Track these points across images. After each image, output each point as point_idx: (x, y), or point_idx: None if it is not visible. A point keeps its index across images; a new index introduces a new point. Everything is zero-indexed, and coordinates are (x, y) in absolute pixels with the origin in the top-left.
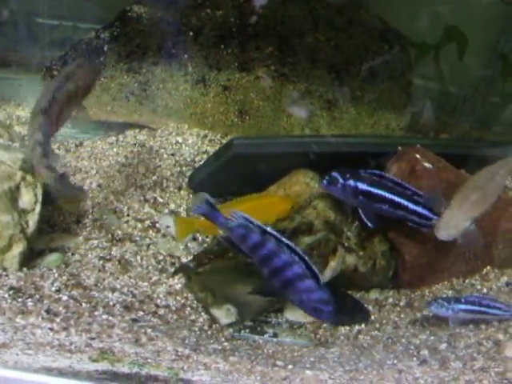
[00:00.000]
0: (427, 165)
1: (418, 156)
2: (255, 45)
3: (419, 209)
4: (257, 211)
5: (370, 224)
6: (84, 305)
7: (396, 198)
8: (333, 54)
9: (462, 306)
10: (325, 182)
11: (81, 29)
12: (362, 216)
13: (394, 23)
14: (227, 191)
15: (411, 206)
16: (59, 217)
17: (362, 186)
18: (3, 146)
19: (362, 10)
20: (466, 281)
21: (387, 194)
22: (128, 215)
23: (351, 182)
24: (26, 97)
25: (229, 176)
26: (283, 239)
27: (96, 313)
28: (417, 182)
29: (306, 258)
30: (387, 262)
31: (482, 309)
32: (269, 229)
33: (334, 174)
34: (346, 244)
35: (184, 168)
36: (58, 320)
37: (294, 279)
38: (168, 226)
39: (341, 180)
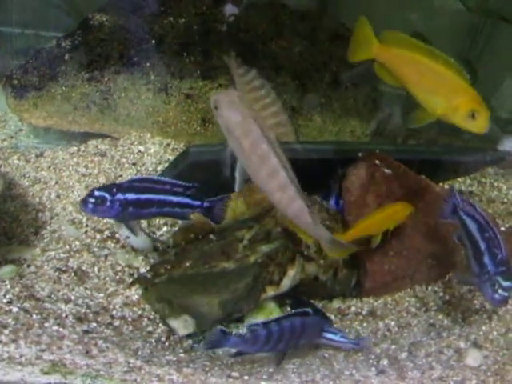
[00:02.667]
0: (386, 171)
1: (377, 162)
2: (218, 52)
3: (181, 199)
4: (381, 223)
5: (134, 234)
6: (35, 316)
7: (161, 197)
8: (297, 61)
9: None
10: (90, 205)
11: (44, 37)
12: (127, 229)
13: None
14: None
15: (174, 199)
16: (17, 228)
17: (132, 196)
18: None
19: (325, 16)
20: (429, 288)
21: (154, 196)
22: (87, 226)
23: (120, 196)
24: None
25: None
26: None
27: (46, 324)
28: (376, 188)
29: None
30: (349, 271)
31: None
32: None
33: (97, 192)
34: (305, 253)
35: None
36: (6, 332)
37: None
38: (128, 237)
39: (109, 197)
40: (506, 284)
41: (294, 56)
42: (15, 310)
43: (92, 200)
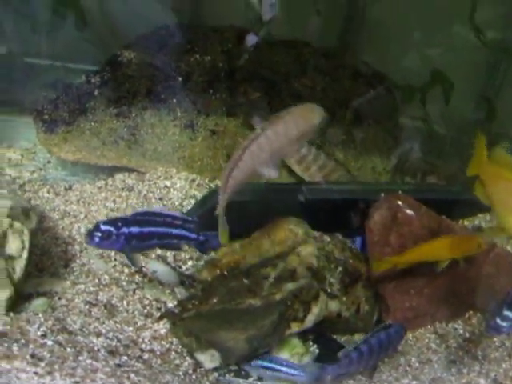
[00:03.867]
0: (409, 212)
1: (399, 203)
2: (243, 90)
3: (179, 231)
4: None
5: (135, 266)
6: (69, 349)
7: (162, 230)
8: (319, 99)
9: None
10: (96, 239)
11: (73, 70)
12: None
13: (380, 66)
14: None
15: (173, 231)
16: (48, 261)
17: (135, 230)
18: None
19: (347, 54)
20: (449, 325)
21: (156, 229)
22: (115, 260)
23: (125, 230)
24: (18, 138)
25: (214, 221)
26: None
27: (80, 357)
28: (398, 228)
29: None
30: (371, 307)
31: None
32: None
33: (103, 226)
34: (328, 290)
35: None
36: (42, 364)
37: None
38: (154, 271)
39: (114, 231)
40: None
41: (316, 93)
42: (50, 343)
43: (98, 234)
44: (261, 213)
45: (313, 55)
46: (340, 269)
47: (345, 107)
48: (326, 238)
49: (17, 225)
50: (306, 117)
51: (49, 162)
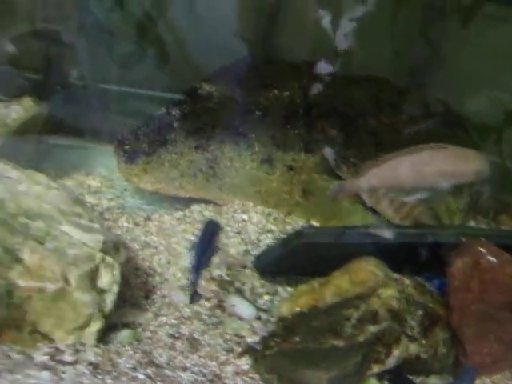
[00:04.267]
0: (491, 258)
1: (482, 249)
2: (320, 126)
3: None
4: None
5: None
6: (159, 383)
7: None
8: (395, 137)
9: None
10: None
11: (152, 98)
12: None
13: (455, 105)
14: (291, 274)
15: None
16: (128, 291)
17: None
18: (84, 228)
19: (423, 92)
20: None
21: None
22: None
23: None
24: (96, 166)
25: (295, 261)
26: None
27: None
28: (480, 274)
29: None
30: (448, 349)
31: None
32: None
33: None
34: (409, 333)
35: (249, 246)
36: None
37: None
38: (233, 305)
39: None
40: None
41: (393, 132)
42: (141, 376)
43: None
44: (340, 253)
45: (390, 92)
46: (420, 312)
47: None
48: (406, 281)
49: (108, 259)
50: (469, 158)
51: (126, 189)
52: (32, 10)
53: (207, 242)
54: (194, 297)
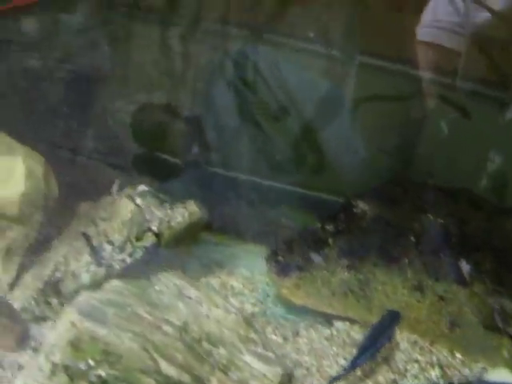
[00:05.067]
0: None
1: None
2: (473, 259)
3: None
4: None
5: None
6: None
7: None
8: None
9: None
10: None
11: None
12: None
13: None
14: None
15: None
16: None
17: None
18: (262, 358)
19: None
20: None
21: None
22: None
23: None
24: (238, 265)
25: None
26: None
27: None
28: None
29: None
30: None
31: None
32: None
33: None
34: None
35: (397, 376)
36: None
37: None
38: None
39: None
40: None
41: None
42: None
43: None
44: None
45: None
46: None
47: None
48: None
49: None
50: None
51: (268, 295)
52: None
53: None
54: None
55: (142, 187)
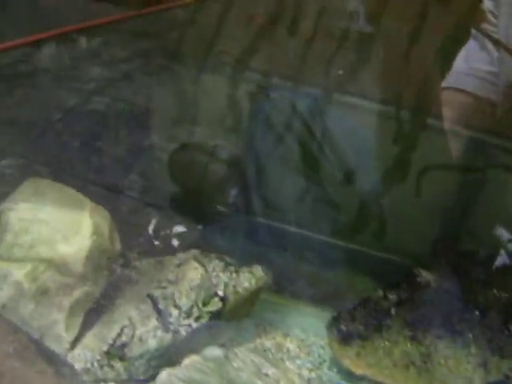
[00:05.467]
0: None
1: None
2: None
3: None
4: None
5: None
6: None
7: None
8: None
9: None
10: None
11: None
12: None
13: None
14: None
15: None
16: None
17: None
18: None
19: None
20: None
21: None
22: None
23: None
24: (292, 326)
25: None
26: None
27: None
28: None
29: None
30: None
31: None
32: None
33: None
34: None
35: None
36: None
37: None
38: None
39: None
40: None
41: None
42: None
43: None
44: None
45: None
46: None
47: None
48: None
49: None
50: None
51: (324, 360)
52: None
53: None
54: None
55: (181, 228)
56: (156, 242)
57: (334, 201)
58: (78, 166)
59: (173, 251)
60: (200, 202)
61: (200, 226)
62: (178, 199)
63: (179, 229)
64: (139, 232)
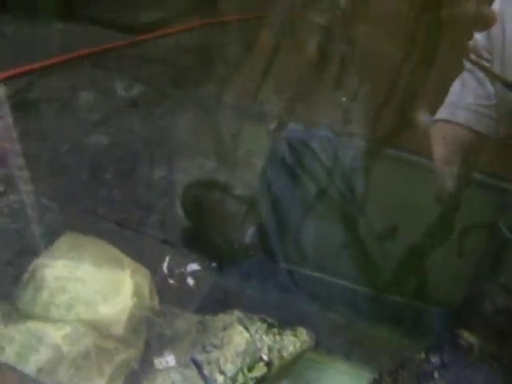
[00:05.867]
0: None
1: None
2: None
3: None
4: None
5: None
6: None
7: None
8: None
9: None
10: None
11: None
12: None
13: None
14: None
15: None
16: None
17: None
18: None
19: None
20: None
21: None
22: None
23: None
24: None
25: None
26: None
27: None
28: None
29: None
30: None
31: None
32: None
33: None
34: None
35: None
36: None
37: None
38: None
39: None
40: None
41: None
42: None
43: None
44: None
45: None
46: None
47: None
48: None
49: None
50: None
51: None
52: None
53: None
54: None
55: (195, 266)
56: (171, 281)
57: (368, 252)
58: (87, 201)
59: (190, 292)
60: (216, 240)
61: (214, 264)
62: (190, 233)
63: (193, 267)
64: (155, 270)
